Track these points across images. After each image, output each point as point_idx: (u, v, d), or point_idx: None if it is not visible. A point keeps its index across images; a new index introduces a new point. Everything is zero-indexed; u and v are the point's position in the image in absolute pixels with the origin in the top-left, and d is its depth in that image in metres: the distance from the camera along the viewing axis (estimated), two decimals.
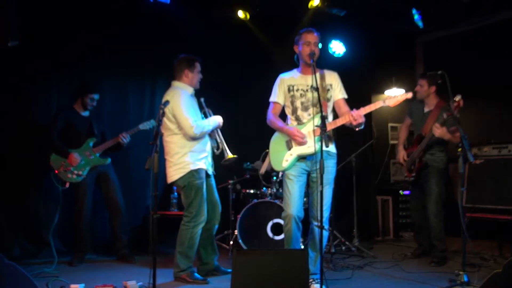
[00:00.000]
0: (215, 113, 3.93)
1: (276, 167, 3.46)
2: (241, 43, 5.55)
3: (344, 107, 3.45)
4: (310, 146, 3.28)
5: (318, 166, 2.93)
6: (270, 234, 4.47)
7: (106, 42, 4.83)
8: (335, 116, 3.45)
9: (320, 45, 3.42)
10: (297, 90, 3.44)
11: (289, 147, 3.40)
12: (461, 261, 3.48)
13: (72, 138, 4.31)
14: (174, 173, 3.65)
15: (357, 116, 3.15)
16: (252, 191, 4.91)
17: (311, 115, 3.35)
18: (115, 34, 4.87)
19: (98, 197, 4.51)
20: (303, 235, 3.86)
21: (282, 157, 3.40)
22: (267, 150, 3.58)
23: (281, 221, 4.10)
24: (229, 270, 3.75)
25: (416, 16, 5.50)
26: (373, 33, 5.84)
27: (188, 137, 3.62)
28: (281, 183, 4.59)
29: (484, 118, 5.49)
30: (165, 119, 3.58)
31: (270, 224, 4.48)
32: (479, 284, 3.12)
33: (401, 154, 4.55)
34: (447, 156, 4.36)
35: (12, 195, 4.39)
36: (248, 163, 4.98)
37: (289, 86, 3.46)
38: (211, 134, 3.86)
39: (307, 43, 3.36)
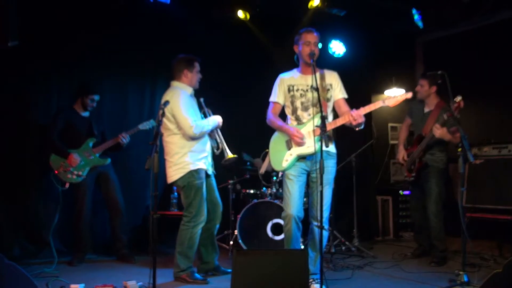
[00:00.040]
0: (214, 113, 3.93)
1: (276, 167, 3.47)
2: (241, 43, 5.54)
3: (344, 107, 3.45)
4: (310, 146, 3.28)
5: (318, 166, 2.93)
6: (270, 234, 4.47)
7: (106, 42, 4.83)
8: (335, 116, 3.45)
9: (320, 45, 3.42)
10: (297, 90, 3.44)
11: (289, 147, 3.40)
12: (461, 261, 3.48)
13: (72, 138, 4.31)
14: (174, 173, 3.65)
15: (357, 116, 3.14)
16: (252, 191, 4.91)
17: (311, 115, 3.35)
18: (115, 34, 4.87)
19: (98, 197, 4.51)
20: (303, 235, 3.86)
21: (282, 157, 3.40)
22: (267, 150, 3.58)
23: (281, 221, 4.10)
24: (229, 270, 3.75)
25: (416, 16, 5.51)
26: (373, 33, 5.84)
27: (188, 137, 3.62)
28: (281, 183, 4.59)
29: (484, 118, 5.49)
30: (164, 119, 3.58)
31: (270, 224, 4.48)
32: (479, 284, 3.13)
33: (401, 154, 4.55)
34: (447, 156, 4.36)
35: (12, 195, 4.39)
36: (246, 154, 4.94)
37: (289, 86, 3.46)
38: (211, 134, 3.86)
39: (307, 43, 3.36)
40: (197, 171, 3.65)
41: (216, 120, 3.83)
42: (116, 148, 4.43)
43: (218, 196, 3.91)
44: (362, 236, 5.28)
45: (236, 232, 4.55)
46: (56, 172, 4.19)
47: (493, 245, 4.63)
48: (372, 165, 6.00)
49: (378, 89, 6.21)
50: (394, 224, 5.81)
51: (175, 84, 3.78)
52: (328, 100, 3.44)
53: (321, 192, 2.92)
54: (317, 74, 3.37)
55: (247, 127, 5.36)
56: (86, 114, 4.46)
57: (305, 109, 3.41)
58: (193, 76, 3.78)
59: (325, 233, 3.45)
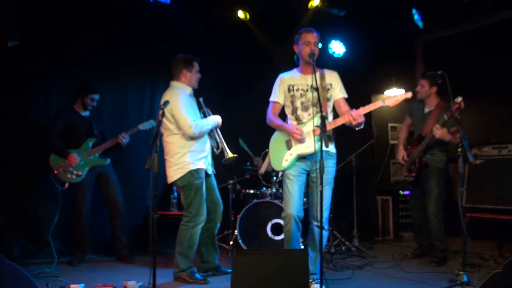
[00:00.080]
0: (214, 113, 3.93)
1: (276, 167, 3.47)
2: (241, 43, 5.54)
3: (344, 107, 3.45)
4: (310, 146, 3.28)
5: (317, 166, 2.93)
6: (270, 234, 4.47)
7: (106, 42, 4.83)
8: (335, 116, 3.45)
9: (320, 45, 3.42)
10: (297, 90, 3.44)
11: (289, 147, 3.40)
12: (461, 261, 3.48)
13: (72, 138, 4.31)
14: (173, 173, 3.65)
15: (357, 115, 3.14)
16: (252, 191, 4.92)
17: (311, 115, 3.35)
18: (115, 34, 4.87)
19: (98, 197, 4.51)
20: (303, 235, 3.86)
21: (282, 157, 3.40)
22: (267, 150, 3.58)
23: (281, 221, 4.10)
24: (229, 270, 3.75)
25: (416, 16, 5.51)
26: (373, 33, 5.84)
27: (187, 137, 3.63)
28: (281, 183, 4.59)
29: (484, 118, 5.49)
30: (164, 119, 3.58)
31: (270, 224, 4.48)
32: (479, 284, 3.13)
33: (401, 154, 4.55)
34: (447, 156, 4.36)
35: (12, 195, 4.39)
36: (243, 142, 4.94)
37: (289, 86, 3.46)
38: (211, 134, 3.86)
39: (307, 42, 3.36)
40: (197, 171, 3.65)
41: (215, 119, 3.84)
42: (116, 148, 4.43)
43: (218, 195, 3.91)
44: (362, 236, 5.28)
45: (236, 232, 4.54)
46: (55, 172, 4.19)
47: (493, 245, 4.62)
48: (372, 165, 6.00)
49: (378, 89, 6.21)
50: (394, 224, 5.81)
51: (174, 84, 3.78)
52: (328, 100, 3.44)
53: (321, 192, 2.92)
54: (317, 74, 3.37)
55: (247, 127, 5.35)
56: (86, 113, 4.46)
57: (305, 109, 3.41)
58: (192, 76, 3.78)
59: (325, 233, 3.45)
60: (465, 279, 3.34)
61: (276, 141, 3.50)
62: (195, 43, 5.03)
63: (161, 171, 3.40)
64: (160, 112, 3.23)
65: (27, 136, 4.51)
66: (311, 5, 5.27)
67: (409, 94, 3.16)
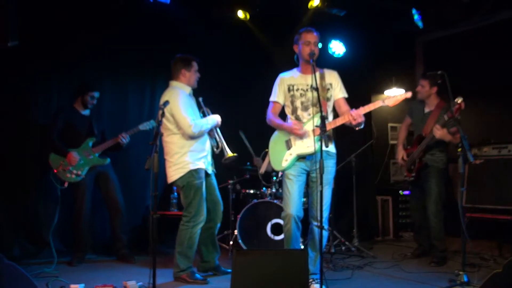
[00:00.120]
0: (214, 113, 3.93)
1: (276, 167, 3.47)
2: (241, 43, 5.55)
3: (344, 106, 3.45)
4: (310, 145, 3.28)
5: (317, 166, 2.93)
6: (270, 234, 4.47)
7: (106, 42, 4.84)
8: (336, 116, 3.44)
9: (320, 45, 3.42)
10: (297, 89, 3.44)
11: (289, 147, 3.40)
12: (461, 261, 3.48)
13: (72, 138, 4.31)
14: (173, 173, 3.65)
15: (357, 115, 3.14)
16: (252, 191, 4.92)
17: (311, 115, 3.35)
18: (115, 34, 4.87)
19: (98, 197, 4.51)
20: (303, 235, 3.86)
21: (282, 156, 3.40)
22: (267, 150, 3.58)
23: (280, 221, 4.10)
24: (229, 270, 3.75)
25: (416, 16, 5.50)
26: (373, 33, 5.84)
27: (187, 136, 3.63)
28: (280, 183, 4.59)
29: (484, 118, 5.49)
30: (164, 119, 3.58)
31: (270, 224, 4.48)
32: (479, 284, 3.13)
33: (400, 154, 4.55)
34: (447, 156, 4.36)
35: (12, 195, 4.39)
36: (242, 132, 4.95)
37: (289, 86, 3.46)
38: (211, 133, 3.87)
39: (307, 42, 3.36)
40: (196, 170, 3.65)
41: (215, 119, 3.84)
42: (116, 148, 4.43)
43: (219, 195, 3.91)
44: (362, 236, 5.28)
45: (236, 232, 4.55)
46: (55, 171, 4.19)
47: (493, 245, 4.62)
48: (372, 165, 6.00)
49: (378, 89, 6.21)
50: (394, 224, 5.81)
51: (173, 84, 3.79)
52: (328, 99, 3.44)
53: (321, 192, 2.92)
54: (317, 74, 3.37)
55: (247, 127, 5.34)
56: (86, 112, 4.46)
57: (305, 108, 3.41)
58: (191, 75, 3.79)
59: (325, 233, 3.45)
60: (465, 279, 3.34)
61: (276, 141, 3.50)
62: (195, 43, 5.03)
63: (161, 171, 3.40)
64: (160, 112, 3.23)
65: (27, 136, 4.51)
66: (311, 5, 5.27)
67: (409, 94, 3.15)
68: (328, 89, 3.45)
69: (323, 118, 3.00)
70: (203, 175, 3.71)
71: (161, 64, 5.03)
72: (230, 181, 4.89)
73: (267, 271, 2.75)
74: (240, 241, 4.43)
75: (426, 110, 4.47)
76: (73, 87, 4.55)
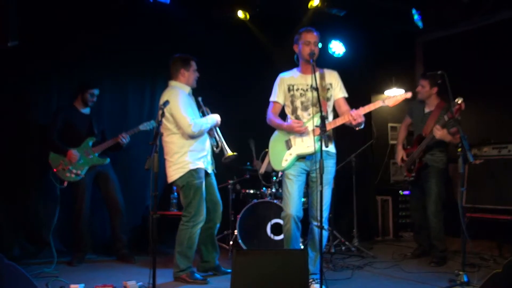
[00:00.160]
0: (214, 113, 3.93)
1: (276, 167, 3.47)
2: (241, 43, 5.55)
3: (344, 106, 3.45)
4: (310, 145, 3.28)
5: (317, 166, 2.93)
6: (269, 234, 4.47)
7: (106, 42, 4.84)
8: (336, 115, 3.44)
9: (320, 45, 3.42)
10: (297, 89, 3.44)
11: (289, 147, 3.40)
12: (461, 261, 3.48)
13: (72, 137, 4.31)
14: (173, 173, 3.65)
15: (356, 116, 3.14)
16: (251, 191, 4.92)
17: (311, 115, 3.35)
18: (115, 34, 4.87)
19: (97, 197, 4.51)
20: (303, 235, 3.86)
21: (282, 156, 3.40)
22: (267, 150, 3.58)
23: (280, 221, 4.09)
24: (229, 270, 3.75)
25: (416, 16, 5.51)
26: (373, 33, 5.84)
27: (187, 136, 3.63)
28: (280, 183, 4.59)
29: (484, 118, 5.49)
30: (163, 119, 3.57)
31: (269, 224, 4.48)
32: (479, 284, 3.13)
33: (400, 155, 4.55)
34: (447, 157, 4.36)
35: (12, 195, 4.39)
36: (253, 143, 4.96)
37: (289, 86, 3.46)
38: (210, 133, 3.87)
39: (307, 42, 3.36)
40: (196, 170, 3.65)
41: (214, 118, 3.84)
42: (116, 148, 4.44)
43: (218, 195, 3.91)
44: (362, 236, 5.28)
45: (236, 232, 4.55)
46: (54, 170, 4.19)
47: (493, 245, 4.63)
48: (372, 165, 6.00)
49: (378, 89, 6.21)
50: (394, 224, 5.81)
51: (173, 83, 3.79)
52: (328, 99, 3.44)
53: (321, 192, 2.92)
54: (317, 74, 3.37)
55: (247, 127, 5.36)
56: (86, 111, 4.46)
57: (305, 108, 3.41)
58: (190, 75, 3.79)
59: (325, 233, 3.46)
60: (465, 279, 3.33)
61: (275, 141, 3.50)
62: (195, 43, 5.03)
63: (161, 171, 3.40)
64: (160, 112, 3.24)
65: (27, 136, 4.51)
66: (311, 5, 5.27)
67: (409, 94, 3.15)
68: (328, 89, 3.45)
69: (323, 118, 3.00)
70: (203, 175, 3.71)
71: (161, 64, 4.99)
72: (230, 181, 4.90)
73: (267, 271, 2.75)
74: (240, 241, 4.43)
75: (426, 110, 4.47)
76: (73, 87, 4.55)
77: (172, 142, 3.66)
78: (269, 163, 3.53)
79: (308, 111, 3.39)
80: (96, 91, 4.41)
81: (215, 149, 3.92)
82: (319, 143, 3.03)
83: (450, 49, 5.96)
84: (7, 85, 4.41)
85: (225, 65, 5.42)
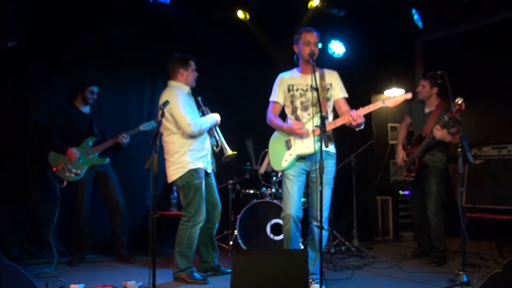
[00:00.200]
0: (213, 112, 3.93)
1: (276, 167, 3.47)
2: (241, 43, 5.55)
3: (344, 107, 3.45)
4: (310, 146, 3.28)
5: (317, 166, 2.93)
6: (269, 234, 4.47)
7: (106, 42, 4.83)
8: (336, 116, 3.44)
9: (320, 45, 3.42)
10: (297, 89, 3.44)
11: (289, 147, 3.40)
12: (460, 261, 3.48)
13: (72, 137, 4.31)
14: (173, 173, 3.65)
15: (356, 116, 3.14)
16: (251, 191, 4.92)
17: (311, 115, 3.35)
18: (115, 34, 4.86)
19: (97, 197, 4.51)
20: (303, 235, 3.86)
21: (282, 157, 3.40)
22: (267, 150, 3.58)
23: (280, 221, 4.09)
24: (229, 270, 3.75)
25: (416, 16, 5.51)
26: (373, 33, 5.83)
27: (187, 136, 3.63)
28: (280, 183, 4.59)
29: (484, 118, 5.49)
30: (163, 119, 3.57)
31: (269, 224, 4.48)
32: (479, 284, 3.13)
33: (400, 155, 4.54)
34: (447, 157, 4.36)
35: (12, 195, 4.39)
36: (251, 144, 4.97)
37: (289, 86, 3.46)
38: (210, 132, 3.87)
39: (307, 42, 3.36)
40: (196, 170, 3.65)
41: (214, 117, 3.84)
42: (116, 148, 4.44)
43: (217, 196, 3.91)
44: (362, 236, 5.28)
45: (235, 232, 4.55)
46: (54, 169, 4.19)
47: (493, 245, 4.63)
48: (371, 165, 6.00)
49: (378, 89, 6.21)
50: (394, 224, 5.81)
51: (172, 83, 3.79)
52: (328, 99, 3.44)
53: (321, 192, 2.92)
54: (317, 74, 3.37)
55: (247, 127, 5.36)
56: (87, 109, 4.46)
57: (305, 108, 3.41)
58: (189, 74, 3.79)
59: (325, 233, 3.46)
60: (465, 279, 3.33)
61: (275, 141, 3.50)
62: (195, 43, 5.03)
63: (161, 171, 3.40)
64: (160, 112, 3.24)
65: (27, 136, 4.51)
66: (311, 5, 5.27)
67: (409, 95, 3.15)
68: (328, 89, 3.44)
69: (323, 118, 3.00)
70: (202, 174, 3.71)
71: (161, 64, 4.97)
72: (230, 181, 4.89)
73: (267, 271, 2.75)
74: (240, 241, 4.43)
75: (426, 110, 4.47)
76: (73, 87, 4.55)
77: (172, 142, 3.66)
78: (269, 163, 3.53)
79: (308, 111, 3.39)
80: (95, 89, 4.42)
81: (215, 148, 3.92)
82: (319, 144, 3.03)
83: (450, 49, 5.96)
84: (7, 85, 4.41)
85: (225, 65, 5.42)
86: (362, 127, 3.23)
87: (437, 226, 4.28)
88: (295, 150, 3.36)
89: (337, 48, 5.75)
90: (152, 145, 2.95)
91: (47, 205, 4.47)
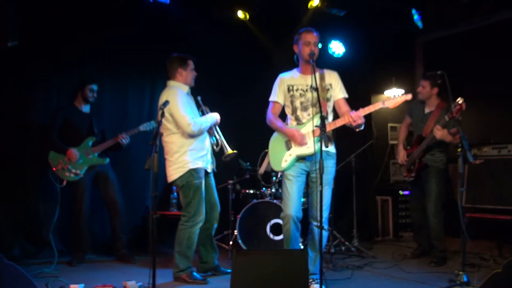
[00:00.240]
0: (213, 112, 3.94)
1: (275, 167, 3.46)
2: (241, 43, 5.55)
3: (344, 107, 3.45)
4: (310, 146, 3.28)
5: (317, 166, 2.93)
6: (269, 234, 4.47)
7: (106, 42, 4.83)
8: (336, 116, 3.44)
9: (319, 45, 3.42)
10: (297, 90, 3.44)
11: (288, 147, 3.40)
12: (460, 261, 3.48)
13: (72, 137, 4.31)
14: (173, 173, 3.65)
15: (356, 117, 3.14)
16: (251, 191, 4.92)
17: (311, 115, 3.35)
18: (115, 34, 4.86)
19: (97, 197, 4.51)
20: (303, 235, 3.86)
21: (281, 157, 3.40)
22: (266, 150, 3.58)
23: (280, 221, 4.09)
24: (229, 270, 3.75)
25: (416, 16, 5.51)
26: (373, 33, 5.84)
27: (187, 135, 3.63)
28: (280, 183, 4.59)
29: (484, 118, 5.49)
30: (163, 119, 3.57)
31: (269, 224, 4.48)
32: (478, 284, 3.13)
33: (401, 155, 4.54)
34: (447, 157, 4.36)
35: (12, 195, 4.39)
36: (244, 162, 4.97)
37: (288, 86, 3.46)
38: (210, 132, 3.87)
39: (307, 43, 3.36)
40: (196, 170, 3.65)
41: (214, 117, 3.84)
42: (116, 148, 4.44)
43: (216, 197, 3.91)
44: (362, 236, 5.28)
45: (235, 232, 4.55)
46: (54, 169, 4.19)
47: (493, 245, 4.63)
48: (371, 165, 6.00)
49: (378, 89, 6.21)
50: (393, 224, 5.81)
51: (171, 83, 3.79)
52: (328, 100, 3.44)
53: (321, 192, 2.92)
54: (317, 74, 3.37)
55: (247, 127, 5.36)
56: (87, 109, 4.46)
57: (305, 109, 3.41)
58: (187, 74, 3.79)
59: (325, 233, 3.46)
60: (465, 279, 3.34)
61: (275, 141, 3.50)
62: (195, 43, 5.03)
63: (161, 171, 3.40)
64: (160, 112, 3.24)
65: (27, 136, 4.51)
66: (311, 5, 5.27)
67: (409, 96, 3.16)
68: (328, 89, 3.44)
69: (323, 119, 3.00)
70: (202, 174, 3.71)
71: (161, 64, 4.96)
72: (230, 181, 4.89)
73: (267, 271, 2.75)
74: (240, 241, 4.43)
75: (427, 110, 4.47)
76: (73, 87, 4.55)
77: (172, 141, 3.67)
78: (268, 163, 3.53)
79: (307, 112, 3.39)
80: (95, 87, 4.42)
81: (215, 147, 3.92)
82: (319, 144, 3.03)
83: (450, 49, 5.96)
84: (7, 85, 4.41)
85: (225, 65, 5.42)
86: (362, 127, 3.23)
87: (437, 226, 4.28)
88: (295, 150, 3.36)
89: (337, 48, 5.75)
90: (152, 145, 2.95)
91: (47, 205, 4.47)
